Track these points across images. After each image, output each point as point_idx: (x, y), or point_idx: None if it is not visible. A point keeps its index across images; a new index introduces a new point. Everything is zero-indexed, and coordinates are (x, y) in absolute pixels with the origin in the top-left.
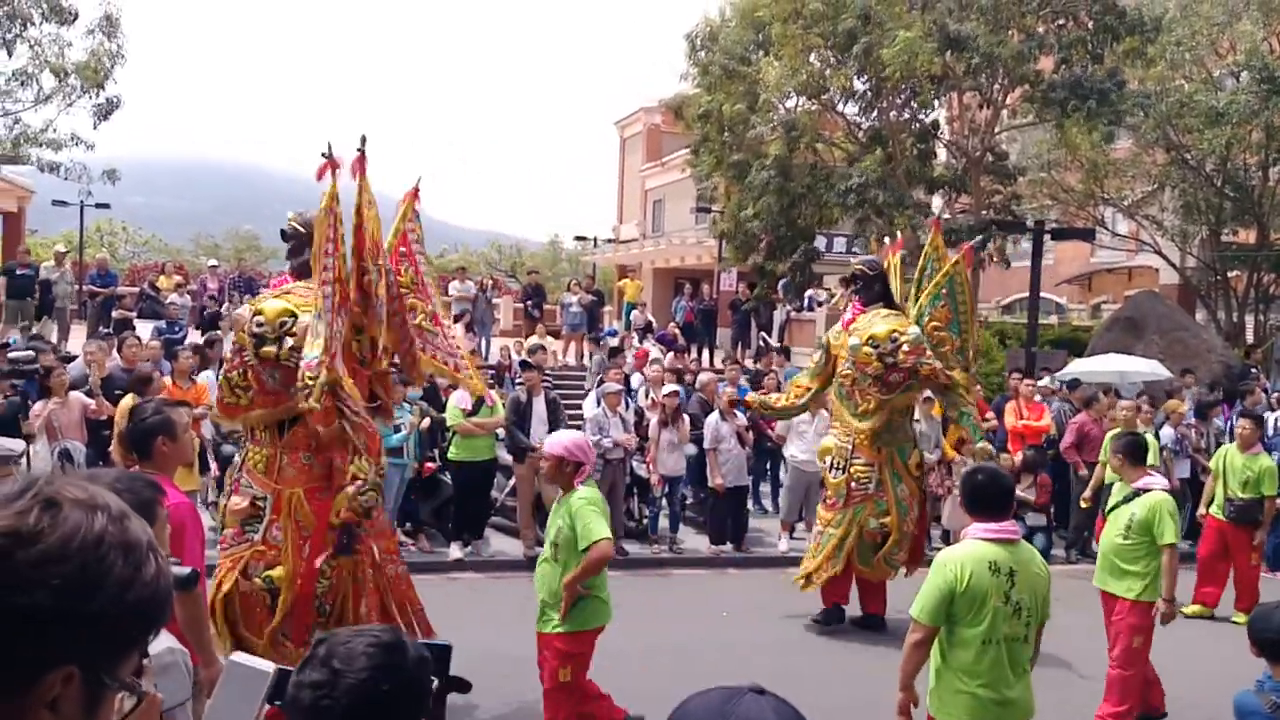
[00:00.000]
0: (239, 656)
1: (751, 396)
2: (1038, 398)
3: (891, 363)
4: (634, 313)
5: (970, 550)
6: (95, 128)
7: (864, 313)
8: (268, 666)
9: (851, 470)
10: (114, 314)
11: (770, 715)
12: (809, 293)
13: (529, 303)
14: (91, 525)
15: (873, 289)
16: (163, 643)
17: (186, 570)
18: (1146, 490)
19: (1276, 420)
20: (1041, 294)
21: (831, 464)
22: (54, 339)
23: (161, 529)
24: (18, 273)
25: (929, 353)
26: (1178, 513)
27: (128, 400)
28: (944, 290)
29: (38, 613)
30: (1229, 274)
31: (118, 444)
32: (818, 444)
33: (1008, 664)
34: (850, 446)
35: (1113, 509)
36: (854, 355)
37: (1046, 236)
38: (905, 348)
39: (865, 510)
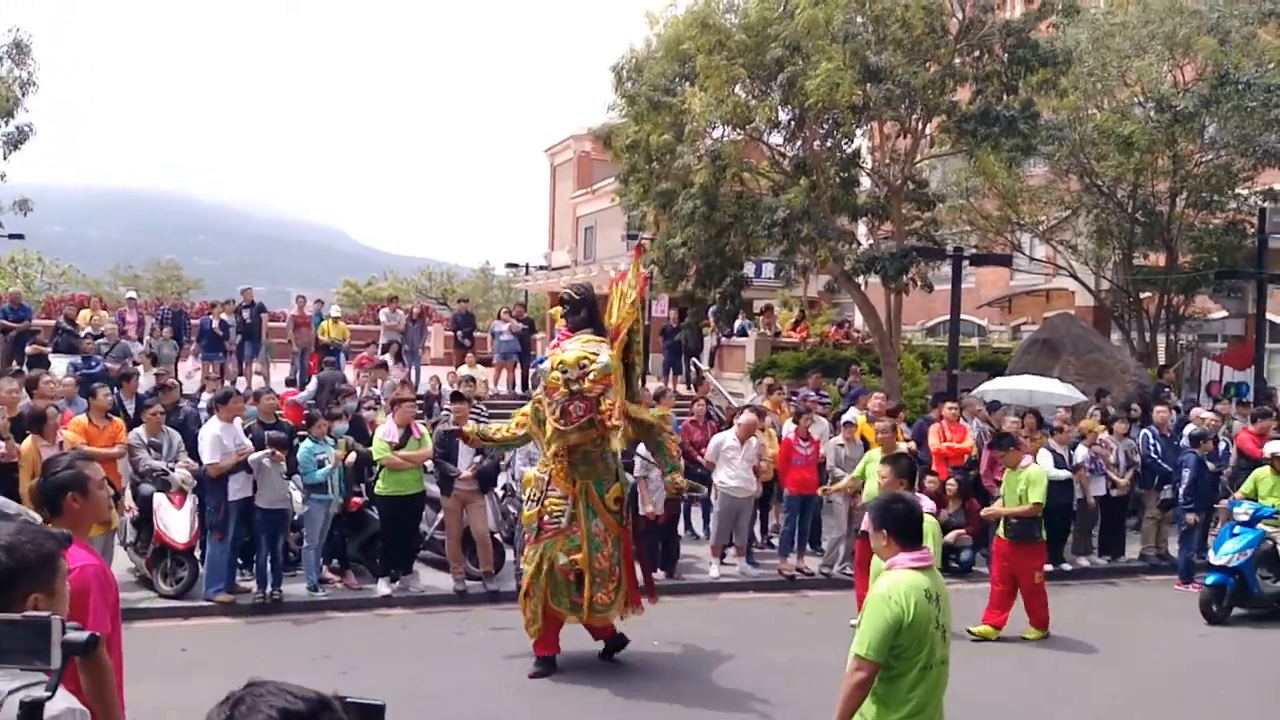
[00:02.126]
0: None
1: (470, 428)
2: (960, 419)
3: (576, 390)
4: None
5: (909, 580)
6: (5, 158)
7: (569, 338)
8: None
9: (545, 503)
10: (28, 349)
11: None
12: (739, 321)
13: (459, 331)
14: None
15: (579, 314)
16: (61, 703)
17: (85, 635)
18: None
19: (1190, 434)
20: (963, 317)
21: (528, 496)
22: None
23: (62, 583)
24: None
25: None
26: (939, 534)
27: (29, 442)
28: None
29: None
30: (1141, 296)
31: (29, 499)
32: (747, 471)
33: (936, 689)
34: (547, 478)
35: None
36: (544, 379)
37: (966, 262)
38: (592, 375)
39: (556, 545)
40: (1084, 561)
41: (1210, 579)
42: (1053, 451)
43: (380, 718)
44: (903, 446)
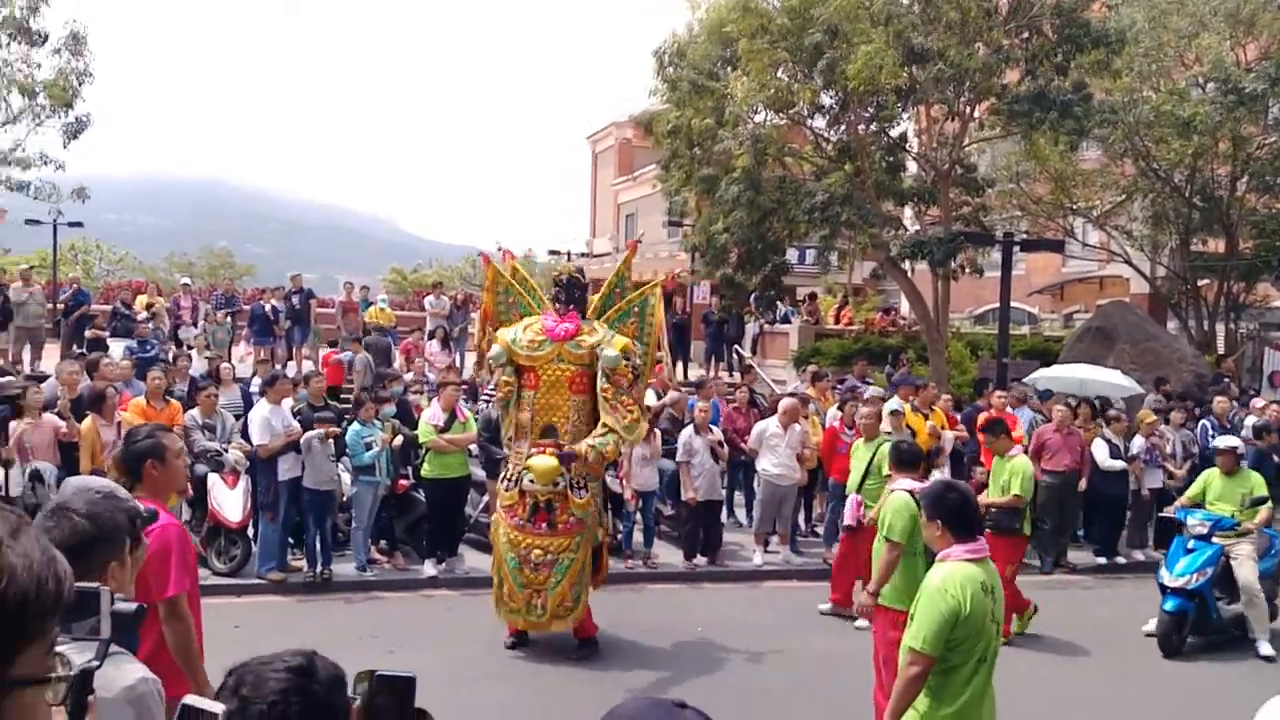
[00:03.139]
0: (191, 699)
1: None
2: (1009, 409)
3: (637, 376)
4: None
5: (964, 572)
6: (65, 146)
7: (578, 321)
8: (218, 708)
9: (591, 487)
10: (87, 333)
11: None
12: (782, 308)
13: None
14: None
15: (586, 300)
16: (135, 673)
17: (133, 606)
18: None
19: (1253, 425)
20: (1013, 304)
21: (573, 484)
22: (25, 357)
23: (131, 553)
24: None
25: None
26: (914, 514)
27: (88, 422)
28: (635, 309)
29: None
30: (1199, 283)
31: (112, 466)
32: (790, 458)
33: (988, 681)
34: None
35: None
36: (612, 367)
37: (1016, 247)
38: (638, 361)
39: (594, 525)
40: (1139, 555)
41: (1169, 604)
42: (1108, 442)
43: (411, 691)
44: (949, 435)
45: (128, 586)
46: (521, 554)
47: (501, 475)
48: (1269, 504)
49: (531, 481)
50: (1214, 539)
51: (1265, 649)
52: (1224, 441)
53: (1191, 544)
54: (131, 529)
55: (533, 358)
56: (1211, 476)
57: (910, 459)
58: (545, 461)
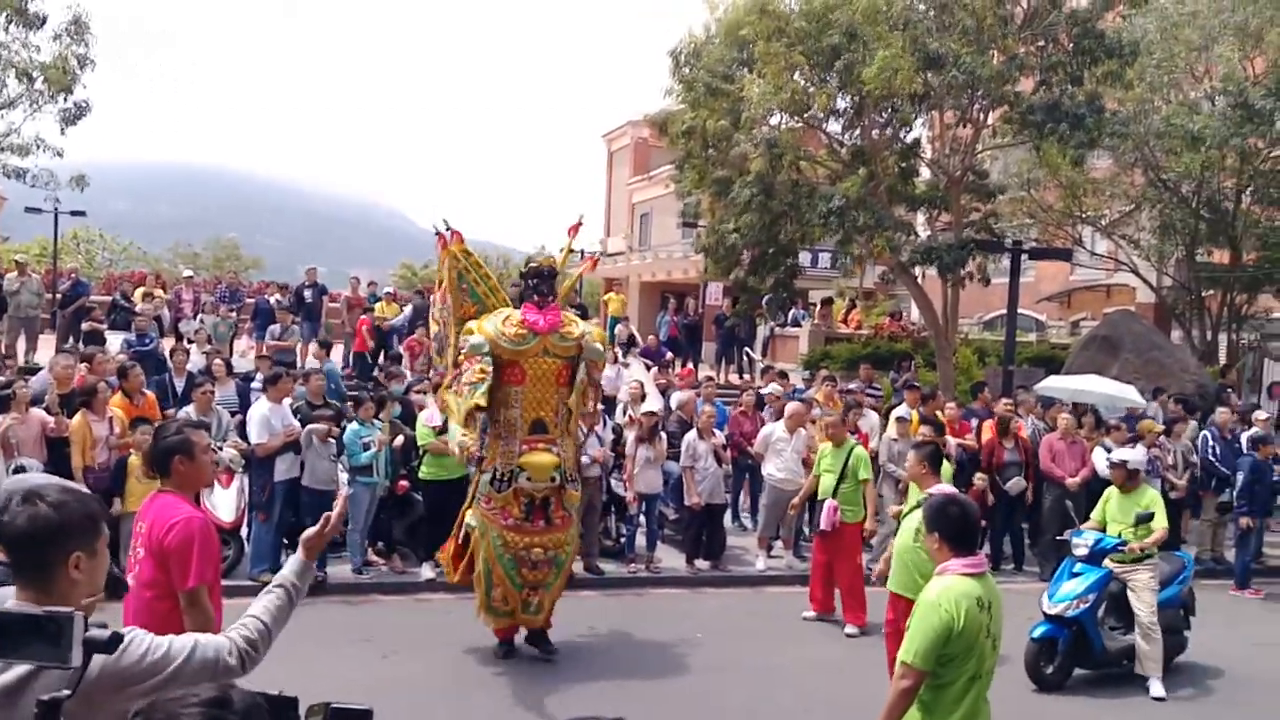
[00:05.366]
0: (339, 703)
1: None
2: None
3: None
4: (618, 327)
5: (960, 587)
6: (62, 132)
7: (561, 314)
8: (365, 706)
9: (580, 481)
10: (84, 326)
11: None
12: (793, 311)
13: None
14: None
15: (556, 291)
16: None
17: (107, 633)
18: None
19: (1249, 436)
20: (1021, 311)
21: (568, 477)
22: (20, 348)
23: (103, 545)
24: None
25: None
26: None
27: (79, 418)
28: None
29: None
30: (1204, 294)
31: (141, 461)
32: (796, 463)
33: (982, 698)
34: None
35: (908, 514)
36: (596, 359)
37: (1025, 256)
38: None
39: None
40: None
41: (1037, 630)
42: (1108, 451)
43: None
44: (953, 443)
45: (97, 579)
46: (520, 554)
47: (490, 477)
48: (1162, 524)
49: (529, 479)
50: (1106, 563)
51: (1157, 689)
52: (1117, 455)
53: (1078, 568)
54: (96, 527)
55: (518, 352)
56: (1110, 494)
57: (935, 457)
58: (543, 458)
